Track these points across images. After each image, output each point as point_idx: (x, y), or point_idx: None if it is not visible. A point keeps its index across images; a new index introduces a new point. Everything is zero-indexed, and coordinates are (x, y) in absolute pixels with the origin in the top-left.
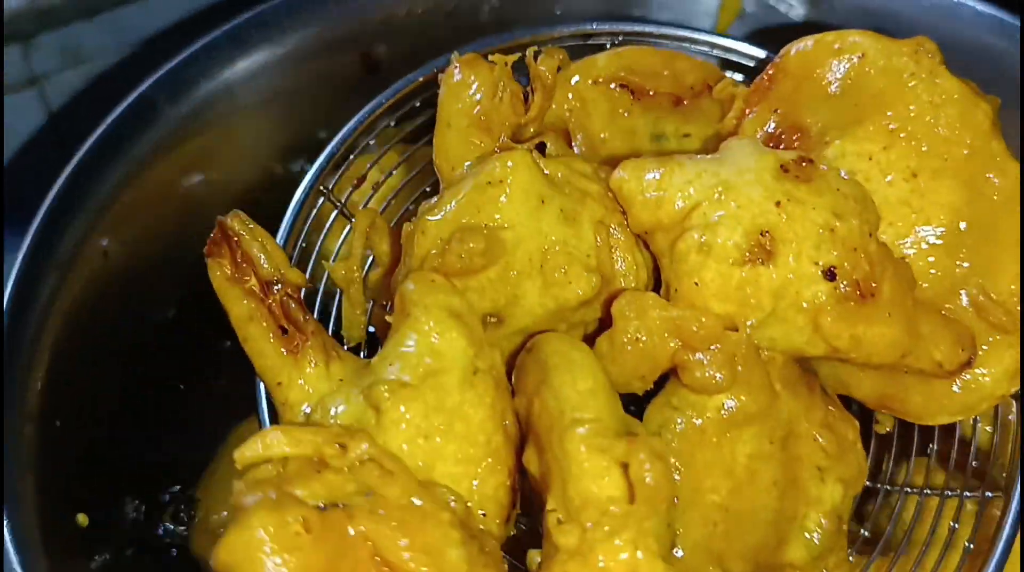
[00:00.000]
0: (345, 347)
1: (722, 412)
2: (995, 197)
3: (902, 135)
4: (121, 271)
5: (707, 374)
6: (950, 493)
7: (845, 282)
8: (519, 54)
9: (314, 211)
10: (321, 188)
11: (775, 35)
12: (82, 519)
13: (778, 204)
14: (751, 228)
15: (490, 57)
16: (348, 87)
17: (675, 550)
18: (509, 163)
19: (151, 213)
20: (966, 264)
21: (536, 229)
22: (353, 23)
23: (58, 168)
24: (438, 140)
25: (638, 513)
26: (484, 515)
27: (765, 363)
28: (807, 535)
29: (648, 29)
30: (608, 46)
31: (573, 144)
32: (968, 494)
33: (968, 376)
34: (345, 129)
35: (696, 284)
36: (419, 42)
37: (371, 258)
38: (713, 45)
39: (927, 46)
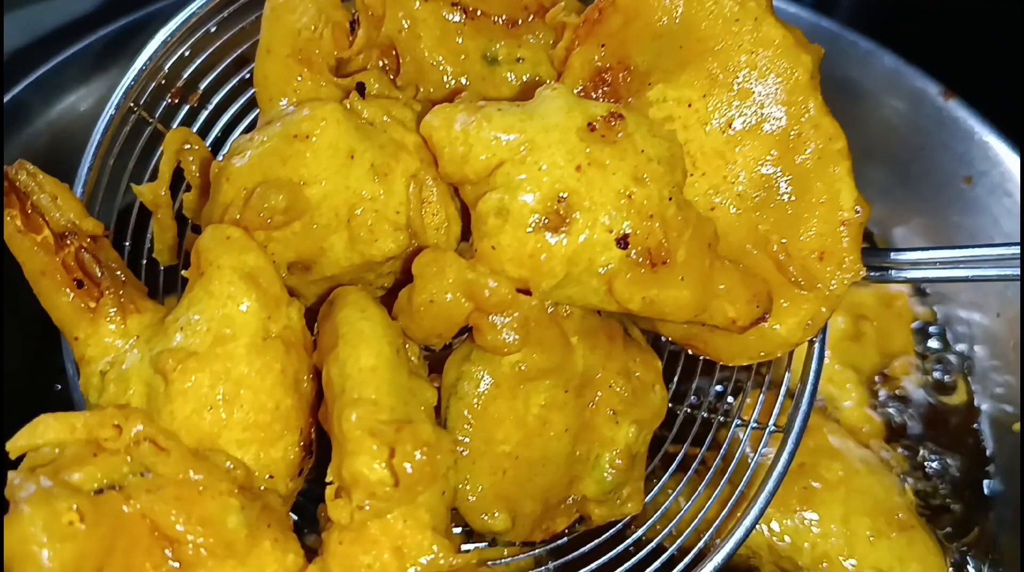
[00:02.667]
0: (161, 269)
1: (516, 368)
2: (807, 153)
3: (723, 83)
4: None
5: (500, 337)
6: (753, 424)
7: (637, 250)
8: None
9: (127, 129)
10: (132, 105)
11: None
12: None
13: (578, 168)
14: (549, 192)
15: None
16: None
17: (468, 497)
18: (318, 117)
19: None
20: (772, 219)
21: (343, 185)
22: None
23: None
24: (258, 66)
25: (401, 497)
26: (271, 477)
27: (562, 318)
28: (600, 472)
29: None
30: None
31: (400, 65)
32: (754, 426)
33: (766, 325)
34: (158, 37)
35: (493, 247)
36: None
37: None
38: None
39: None
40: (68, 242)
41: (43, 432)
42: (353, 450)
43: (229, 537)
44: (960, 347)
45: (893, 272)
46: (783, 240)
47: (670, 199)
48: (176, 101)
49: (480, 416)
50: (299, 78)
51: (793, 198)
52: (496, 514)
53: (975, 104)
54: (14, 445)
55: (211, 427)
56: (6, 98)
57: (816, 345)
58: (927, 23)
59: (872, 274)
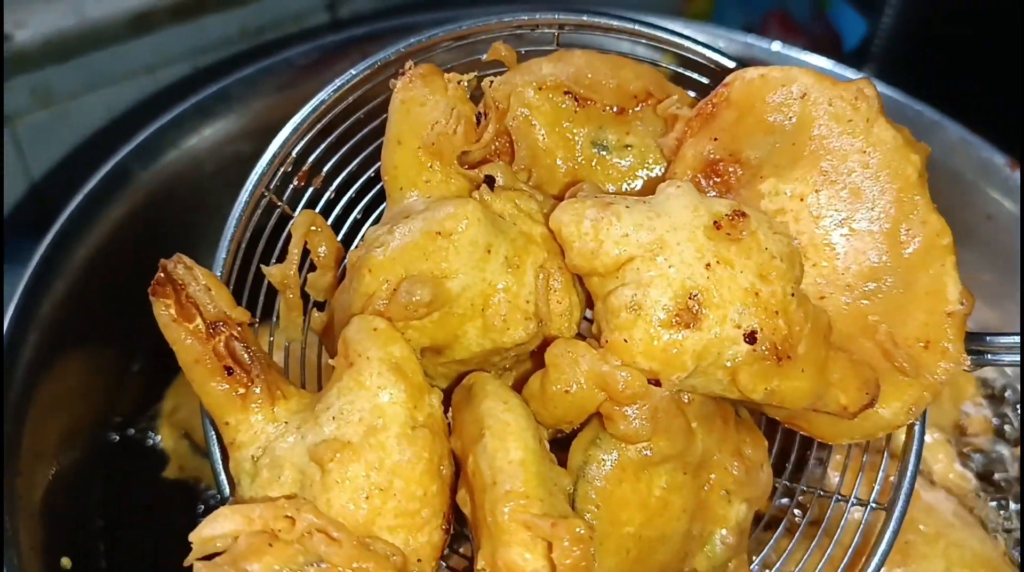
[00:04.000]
0: (286, 345)
1: (642, 453)
2: (913, 247)
3: (834, 179)
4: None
5: (632, 427)
6: (853, 500)
7: (765, 346)
8: (474, 74)
9: (257, 213)
10: (264, 191)
11: None
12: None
13: (708, 266)
14: (680, 291)
15: (447, 75)
16: None
17: None
18: (460, 216)
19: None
20: (879, 309)
21: (480, 277)
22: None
23: (31, 202)
24: (386, 155)
25: None
26: (419, 561)
27: (683, 405)
28: (712, 548)
29: (597, 20)
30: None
31: (515, 152)
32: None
33: (871, 415)
34: (291, 124)
35: (625, 341)
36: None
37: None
38: (654, 40)
39: (867, 91)
40: (219, 330)
41: (223, 523)
42: (508, 541)
43: None
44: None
45: (990, 356)
46: (890, 329)
47: (792, 295)
48: (302, 184)
49: (607, 499)
50: (430, 168)
51: (900, 290)
52: None
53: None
54: (198, 536)
55: (366, 515)
56: (113, 161)
57: (916, 425)
58: (992, 93)
59: (973, 358)
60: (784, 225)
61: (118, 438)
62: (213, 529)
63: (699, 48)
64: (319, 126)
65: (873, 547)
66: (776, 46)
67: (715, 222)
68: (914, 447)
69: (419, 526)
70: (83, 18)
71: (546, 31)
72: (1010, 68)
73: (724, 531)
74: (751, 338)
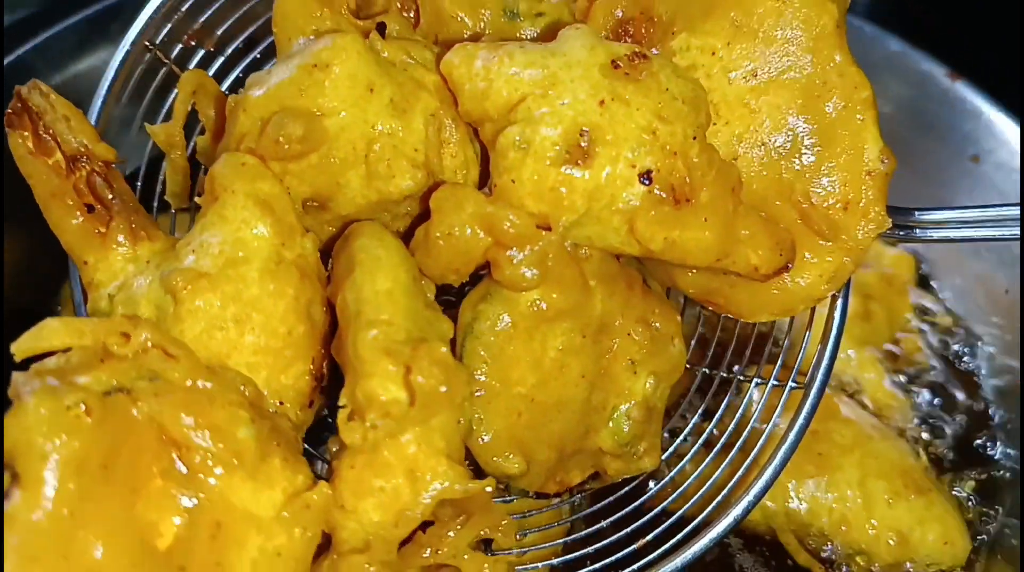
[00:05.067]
0: (172, 211)
1: (533, 307)
2: (832, 102)
3: (747, 31)
4: None
5: (518, 272)
6: (768, 381)
7: (660, 186)
8: None
9: (140, 68)
10: (147, 43)
11: None
12: None
13: (602, 103)
14: (571, 127)
15: None
16: None
17: (481, 436)
18: (338, 47)
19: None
20: (796, 168)
21: (362, 118)
22: None
23: None
24: (277, 5)
25: (416, 416)
26: (281, 404)
27: (581, 260)
28: (617, 424)
29: None
30: None
31: (419, 16)
32: (776, 383)
33: (788, 278)
34: None
35: (513, 182)
36: None
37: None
38: None
39: None
40: (80, 166)
41: (48, 335)
42: (368, 371)
43: (238, 448)
44: (964, 322)
45: (918, 231)
46: (807, 190)
47: (694, 139)
48: (193, 44)
49: (496, 356)
50: (319, 16)
51: (818, 147)
52: (510, 456)
53: (980, 85)
54: (19, 347)
55: (221, 347)
56: (9, 58)
57: (839, 300)
58: (930, 8)
59: (899, 233)
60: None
61: None
62: (37, 341)
63: None
64: None
65: (787, 431)
66: None
67: (613, 61)
68: (836, 322)
69: (281, 367)
70: None
71: None
72: None
73: (630, 405)
74: (646, 178)
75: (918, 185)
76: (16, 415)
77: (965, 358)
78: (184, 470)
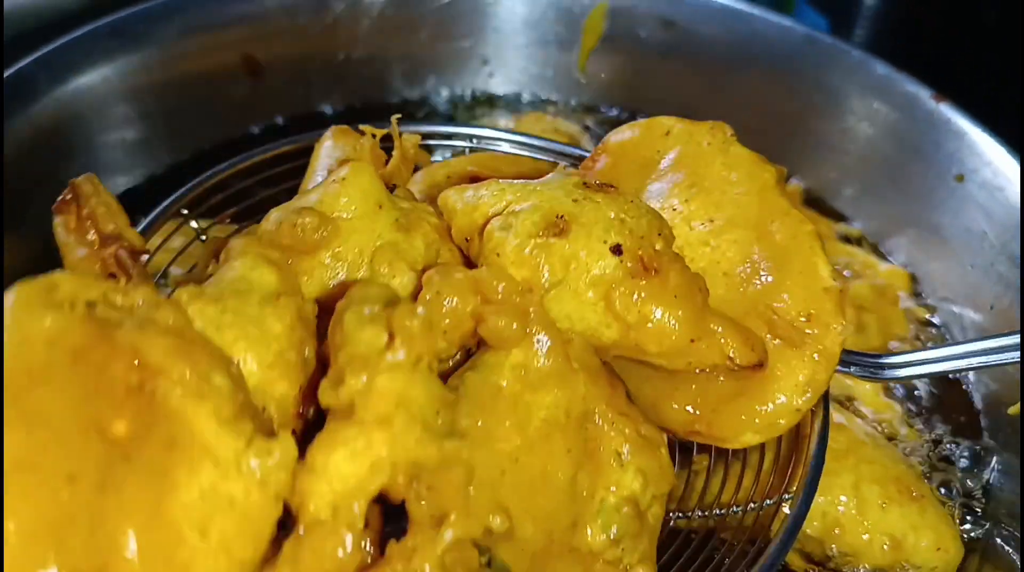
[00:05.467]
0: None
1: (518, 372)
2: (780, 237)
3: (701, 190)
4: None
5: (501, 323)
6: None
7: (630, 258)
8: (386, 129)
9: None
10: (184, 211)
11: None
12: None
13: (575, 201)
14: (549, 212)
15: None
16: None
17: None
18: (355, 166)
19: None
20: (758, 289)
21: (370, 227)
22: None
23: None
24: (304, 184)
25: (393, 353)
26: (264, 409)
27: (563, 342)
28: (604, 518)
29: (500, 135)
30: (467, 151)
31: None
32: (768, 503)
33: (768, 399)
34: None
35: (498, 255)
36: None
37: None
38: (550, 151)
39: (722, 126)
40: (109, 244)
41: (56, 279)
42: (350, 340)
43: (211, 389)
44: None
45: (887, 371)
46: (771, 305)
47: (659, 234)
48: (227, 221)
49: (481, 408)
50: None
51: (775, 271)
52: (492, 514)
53: (963, 106)
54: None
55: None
56: (10, 70)
57: (820, 414)
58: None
59: (864, 374)
60: None
61: None
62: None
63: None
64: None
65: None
66: None
67: (584, 182)
68: (817, 433)
69: (269, 379)
70: None
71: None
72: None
73: (619, 499)
74: (617, 250)
75: (906, 204)
76: (13, 290)
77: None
78: (151, 390)
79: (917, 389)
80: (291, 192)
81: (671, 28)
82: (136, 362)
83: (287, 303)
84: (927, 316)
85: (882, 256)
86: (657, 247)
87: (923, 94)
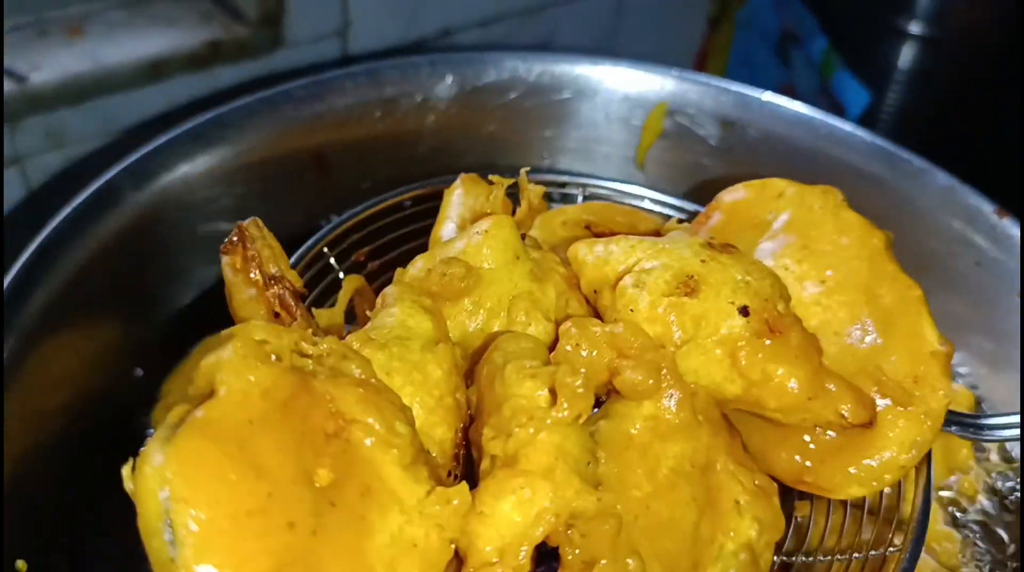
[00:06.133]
0: None
1: (649, 422)
2: (888, 300)
3: (812, 251)
4: (79, 340)
5: (636, 377)
6: (856, 556)
7: (756, 320)
8: (514, 179)
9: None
10: (323, 250)
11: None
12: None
13: (703, 261)
14: (679, 272)
15: (490, 176)
16: (302, 185)
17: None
18: (497, 219)
19: (111, 292)
20: (868, 349)
21: (508, 277)
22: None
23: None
24: (434, 232)
25: (559, 410)
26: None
27: (691, 396)
28: (723, 564)
29: (616, 185)
30: (579, 199)
31: None
32: (874, 553)
33: (876, 456)
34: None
35: (632, 311)
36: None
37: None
38: (658, 201)
39: (834, 191)
40: (273, 285)
41: (250, 329)
42: (513, 393)
43: (396, 438)
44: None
45: (988, 432)
46: (879, 365)
47: (780, 297)
48: (363, 260)
49: (615, 456)
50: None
51: (882, 335)
52: (630, 561)
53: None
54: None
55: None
56: (101, 181)
57: (925, 468)
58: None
59: (964, 434)
60: None
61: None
62: (245, 329)
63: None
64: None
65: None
66: (767, 96)
67: (708, 242)
68: (921, 488)
69: (431, 423)
70: (98, 63)
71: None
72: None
73: (737, 545)
74: (744, 311)
75: (970, 317)
76: (218, 350)
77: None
78: (346, 438)
79: (980, 513)
80: (420, 233)
81: (729, 128)
82: (332, 411)
83: (445, 349)
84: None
85: None
86: (780, 309)
87: (986, 208)
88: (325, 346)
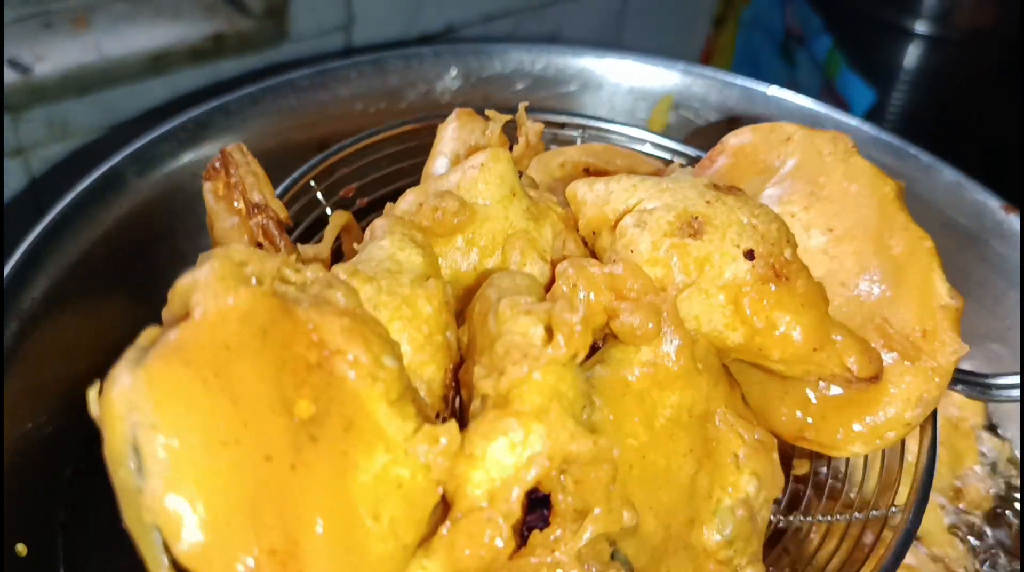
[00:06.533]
0: None
1: (646, 369)
2: (898, 251)
3: (820, 198)
4: (80, 323)
5: (635, 320)
6: (857, 516)
7: (762, 264)
8: (511, 116)
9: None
10: (310, 183)
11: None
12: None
13: (708, 202)
14: (683, 213)
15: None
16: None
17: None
18: (494, 152)
19: (115, 274)
20: (874, 301)
21: (503, 214)
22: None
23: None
24: (427, 167)
25: (555, 348)
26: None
27: (691, 342)
28: (720, 519)
29: (614, 127)
30: (578, 141)
31: None
32: (875, 513)
33: (880, 412)
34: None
35: (632, 252)
36: None
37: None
38: (659, 146)
39: (844, 138)
40: (256, 214)
41: (232, 251)
42: (507, 330)
43: (383, 371)
44: None
45: (995, 392)
46: (886, 318)
47: (787, 242)
48: (351, 196)
49: (611, 402)
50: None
51: (891, 285)
52: (625, 513)
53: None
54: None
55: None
56: (105, 167)
57: (928, 431)
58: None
59: (971, 394)
60: None
61: None
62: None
63: (692, 152)
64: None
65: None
66: (773, 90)
67: (714, 184)
68: (926, 448)
69: (421, 360)
70: (102, 55)
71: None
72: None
73: (735, 500)
74: (750, 255)
75: (976, 313)
76: (194, 270)
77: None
78: (329, 370)
79: (986, 522)
80: (412, 170)
81: (735, 122)
82: (315, 340)
83: (436, 285)
84: (1002, 447)
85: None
86: (786, 254)
87: (993, 203)
88: (309, 274)
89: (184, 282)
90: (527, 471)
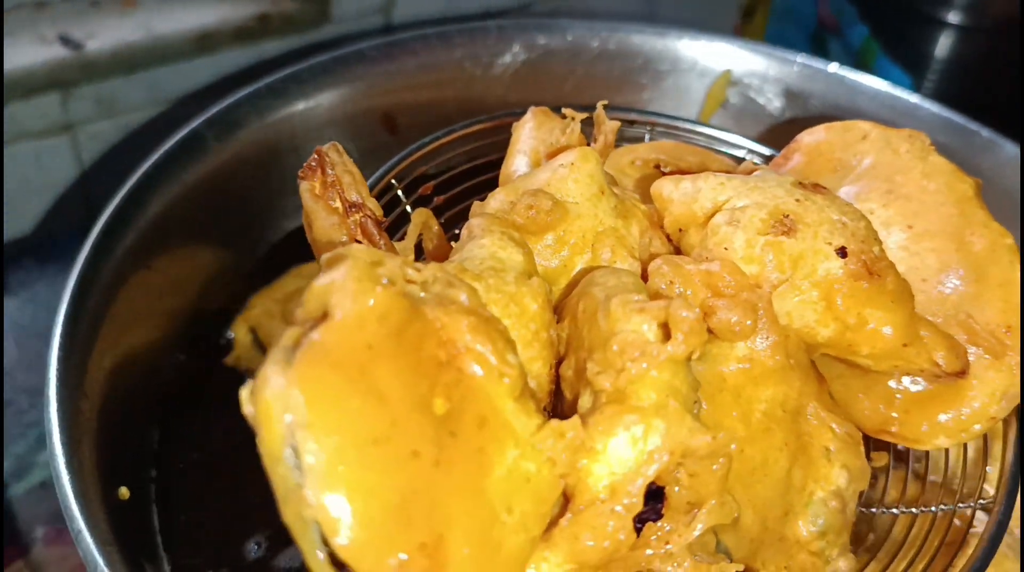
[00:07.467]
0: None
1: (743, 364)
2: (980, 247)
3: (898, 196)
4: (169, 284)
5: (732, 317)
6: (944, 507)
7: (855, 261)
8: (588, 115)
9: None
10: (392, 181)
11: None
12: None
13: (797, 200)
14: (775, 211)
15: (563, 109)
16: (371, 143)
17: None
18: (582, 152)
19: (197, 233)
20: (957, 297)
21: (593, 212)
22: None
23: (82, 208)
24: (505, 166)
25: (675, 345)
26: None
27: (785, 338)
28: (813, 511)
29: (685, 125)
30: (646, 138)
31: None
32: (962, 505)
33: (964, 406)
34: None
35: (726, 249)
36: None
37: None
38: (733, 145)
39: (922, 136)
40: (354, 212)
41: (355, 251)
42: (621, 328)
43: (507, 369)
44: None
45: None
46: (971, 314)
47: (875, 239)
48: (428, 194)
49: (709, 399)
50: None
51: (973, 282)
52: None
53: None
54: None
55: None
56: (185, 130)
57: (1015, 421)
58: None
59: None
60: None
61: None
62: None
63: (765, 150)
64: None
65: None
66: (833, 67)
67: (800, 182)
68: (1012, 441)
69: (530, 357)
70: (150, 33)
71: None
72: None
73: (828, 492)
74: (842, 252)
75: None
76: (329, 272)
77: None
78: (459, 368)
79: None
80: (488, 167)
81: (793, 99)
82: (444, 338)
83: (539, 283)
84: None
85: None
86: (876, 251)
87: None
88: (430, 273)
89: (321, 283)
90: (648, 465)
